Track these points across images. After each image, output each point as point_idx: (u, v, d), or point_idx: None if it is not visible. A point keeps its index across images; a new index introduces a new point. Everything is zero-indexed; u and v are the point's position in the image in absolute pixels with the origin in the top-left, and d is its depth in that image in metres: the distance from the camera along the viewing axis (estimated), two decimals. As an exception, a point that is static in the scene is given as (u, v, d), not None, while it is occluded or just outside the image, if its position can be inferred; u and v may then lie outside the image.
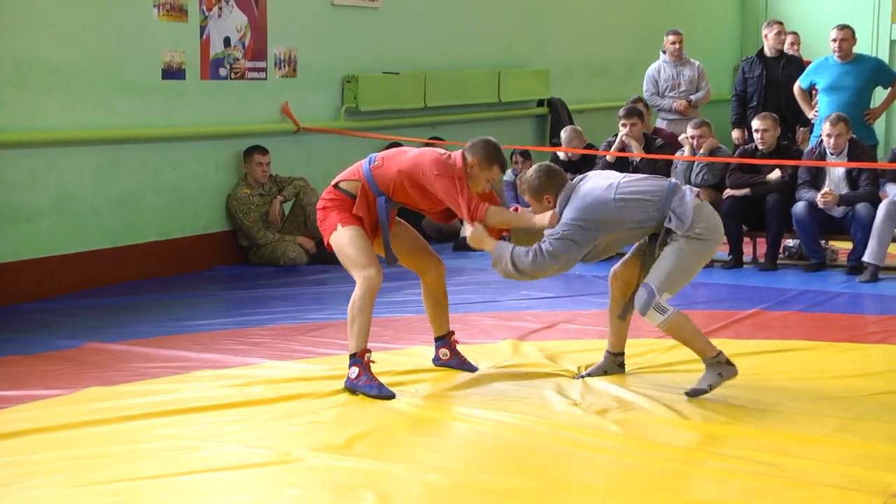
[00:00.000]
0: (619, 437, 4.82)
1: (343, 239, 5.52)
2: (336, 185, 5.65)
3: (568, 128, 10.45)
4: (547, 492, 4.24)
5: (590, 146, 10.16)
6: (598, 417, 5.07)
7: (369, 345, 5.51)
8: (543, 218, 5.43)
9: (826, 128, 8.77)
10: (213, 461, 4.53)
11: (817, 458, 4.53)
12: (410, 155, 5.58)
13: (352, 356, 5.49)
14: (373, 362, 5.50)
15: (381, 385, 5.42)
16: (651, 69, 11.63)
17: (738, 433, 4.88)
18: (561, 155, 10.21)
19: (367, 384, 5.41)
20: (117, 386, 5.64)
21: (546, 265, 5.34)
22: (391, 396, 5.38)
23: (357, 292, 5.49)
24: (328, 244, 5.63)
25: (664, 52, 11.63)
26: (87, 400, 5.37)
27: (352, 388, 5.45)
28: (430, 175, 5.45)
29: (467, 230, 5.51)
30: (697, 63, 11.59)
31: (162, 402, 5.31)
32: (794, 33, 12.65)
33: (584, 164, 9.72)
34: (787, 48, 11.23)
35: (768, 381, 5.71)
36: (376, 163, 5.59)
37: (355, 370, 5.45)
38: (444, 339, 5.95)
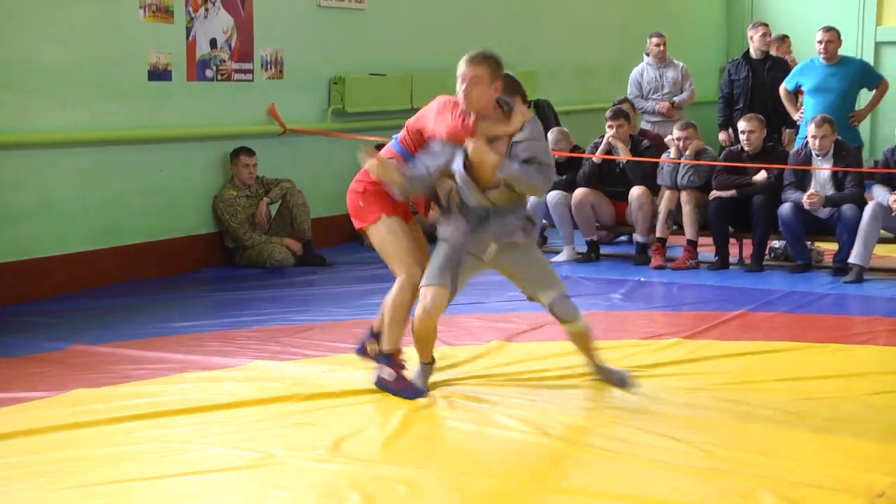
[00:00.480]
0: (605, 439, 4.82)
1: (388, 230, 5.43)
2: None
3: (554, 129, 10.45)
4: (536, 493, 4.25)
5: (576, 148, 10.17)
6: (586, 419, 5.08)
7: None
8: (516, 120, 5.32)
9: (811, 129, 8.80)
10: (199, 463, 4.52)
11: (802, 458, 4.55)
12: (420, 113, 5.55)
13: (385, 355, 5.45)
14: (405, 362, 5.48)
15: (415, 388, 5.40)
16: (634, 72, 11.65)
17: (723, 434, 4.89)
18: (548, 156, 10.20)
19: (403, 389, 5.39)
20: (104, 388, 5.62)
21: (550, 176, 5.34)
22: (423, 394, 5.39)
23: (400, 291, 5.42)
24: (362, 229, 5.51)
25: (648, 55, 11.64)
26: (74, 402, 5.36)
27: (383, 388, 5.43)
28: (433, 116, 5.42)
29: (436, 218, 5.51)
30: (681, 64, 11.60)
31: (148, 404, 5.30)
32: (786, 36, 12.69)
33: (570, 165, 9.73)
34: (782, 54, 11.26)
35: (754, 382, 5.72)
36: (401, 136, 5.54)
37: (391, 372, 5.41)
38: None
